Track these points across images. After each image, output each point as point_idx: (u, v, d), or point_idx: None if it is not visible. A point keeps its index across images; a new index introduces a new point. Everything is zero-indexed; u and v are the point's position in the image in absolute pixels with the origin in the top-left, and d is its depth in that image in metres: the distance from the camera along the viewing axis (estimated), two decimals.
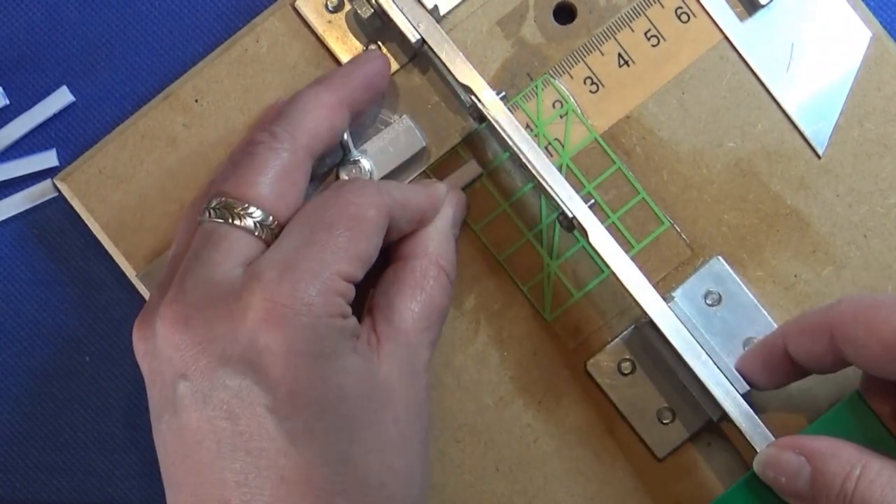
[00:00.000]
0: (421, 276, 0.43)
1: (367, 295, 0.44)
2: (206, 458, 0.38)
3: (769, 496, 0.40)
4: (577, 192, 0.43)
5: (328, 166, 0.45)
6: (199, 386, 0.38)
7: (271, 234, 0.40)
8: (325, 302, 0.38)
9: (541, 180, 0.42)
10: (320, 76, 0.44)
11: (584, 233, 0.42)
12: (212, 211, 0.40)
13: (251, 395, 0.37)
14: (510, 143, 0.43)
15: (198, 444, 0.38)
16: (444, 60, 0.44)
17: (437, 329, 0.43)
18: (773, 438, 0.41)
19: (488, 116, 0.43)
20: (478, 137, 0.47)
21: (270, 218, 0.40)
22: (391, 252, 0.44)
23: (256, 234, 0.39)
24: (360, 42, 0.47)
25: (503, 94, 0.44)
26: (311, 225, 0.39)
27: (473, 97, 0.43)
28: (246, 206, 0.39)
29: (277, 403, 0.37)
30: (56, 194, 0.47)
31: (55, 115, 0.48)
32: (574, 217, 0.42)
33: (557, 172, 0.43)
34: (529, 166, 0.43)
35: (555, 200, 0.43)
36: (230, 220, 0.39)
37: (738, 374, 0.44)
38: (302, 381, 0.37)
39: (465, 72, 0.43)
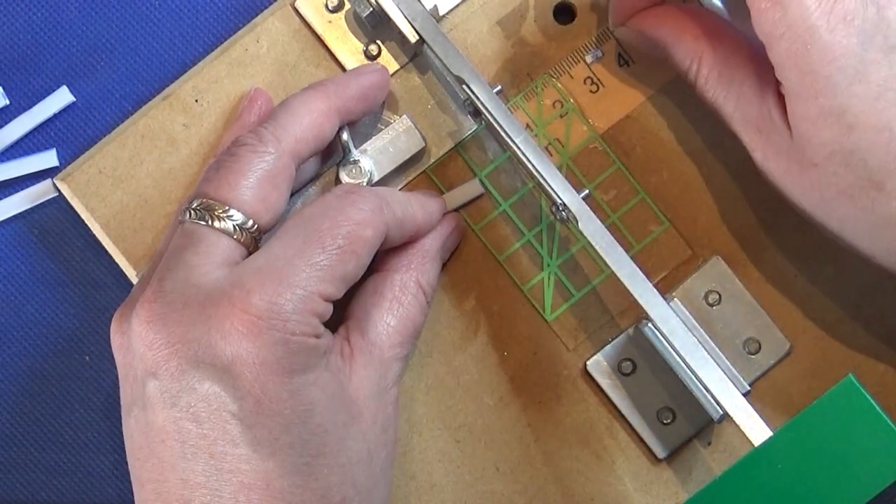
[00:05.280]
0: (400, 292, 0.43)
1: (345, 301, 0.44)
2: (169, 457, 0.38)
3: (757, 485, 0.40)
4: (578, 192, 0.43)
5: (328, 166, 0.45)
6: (168, 386, 0.38)
7: (251, 237, 0.40)
8: (300, 320, 0.38)
9: (530, 167, 0.42)
10: (316, 81, 0.44)
11: (574, 219, 0.42)
12: (192, 212, 0.40)
13: (218, 401, 0.38)
14: (497, 125, 0.43)
15: (162, 443, 0.38)
16: (439, 54, 0.43)
17: (410, 346, 0.44)
18: None
19: (481, 108, 0.43)
20: (478, 138, 0.47)
21: (251, 221, 0.40)
22: (374, 260, 0.44)
23: (235, 236, 0.40)
24: (360, 42, 0.47)
25: (499, 88, 0.44)
26: (304, 234, 0.39)
27: (466, 88, 0.43)
28: (226, 208, 0.40)
29: (244, 412, 0.38)
30: (56, 194, 0.47)
31: (55, 115, 0.48)
32: (562, 201, 0.42)
33: (549, 161, 0.42)
34: (521, 154, 0.42)
35: (544, 187, 0.42)
36: (209, 222, 0.39)
37: (737, 374, 0.44)
38: (270, 393, 0.38)
39: (457, 63, 0.43)
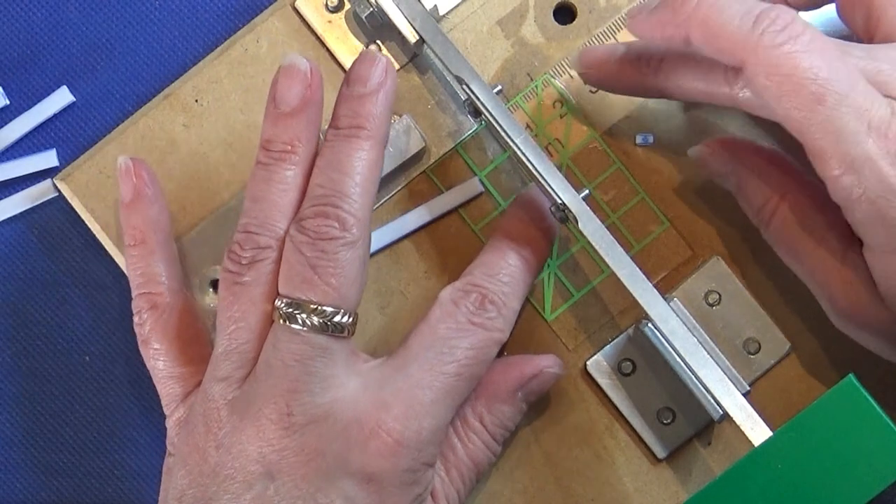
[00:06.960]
0: (460, 425, 0.43)
1: None
2: None
3: (757, 485, 0.40)
4: (578, 192, 0.43)
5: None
6: (285, 491, 0.38)
7: (356, 326, 0.40)
8: (430, 450, 0.40)
9: (530, 167, 0.42)
10: (346, 119, 0.41)
11: (574, 219, 0.42)
12: (306, 321, 0.39)
13: None
14: (497, 125, 0.43)
15: None
16: (439, 54, 0.43)
17: (470, 487, 0.43)
18: None
19: (481, 108, 0.43)
20: (478, 138, 0.47)
21: (355, 314, 0.40)
22: None
23: (347, 334, 0.39)
24: (360, 42, 0.47)
25: (499, 88, 0.44)
26: (440, 357, 0.40)
27: (466, 88, 0.43)
28: (338, 311, 0.39)
29: None
30: (56, 194, 0.47)
31: (55, 115, 0.48)
32: (562, 201, 0.42)
33: (549, 161, 0.42)
34: (521, 154, 0.42)
35: (544, 187, 0.42)
36: (330, 331, 0.39)
37: (737, 374, 0.44)
38: None
39: (457, 63, 0.43)
